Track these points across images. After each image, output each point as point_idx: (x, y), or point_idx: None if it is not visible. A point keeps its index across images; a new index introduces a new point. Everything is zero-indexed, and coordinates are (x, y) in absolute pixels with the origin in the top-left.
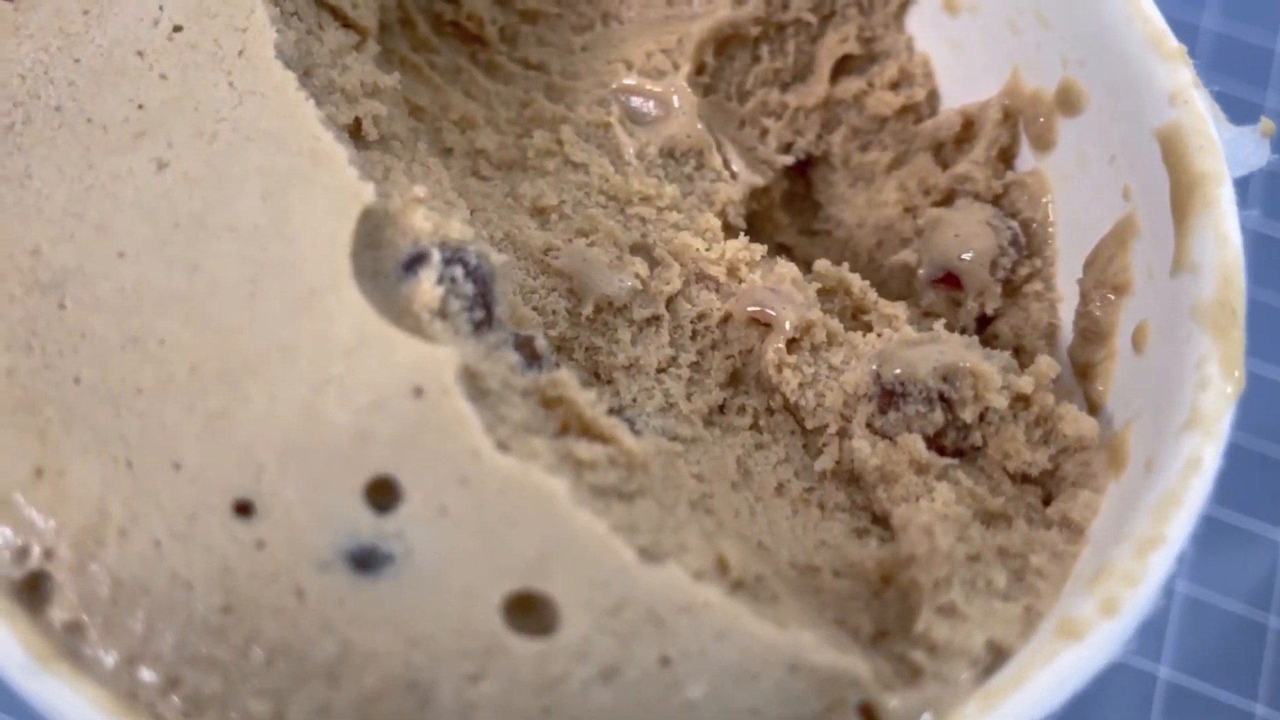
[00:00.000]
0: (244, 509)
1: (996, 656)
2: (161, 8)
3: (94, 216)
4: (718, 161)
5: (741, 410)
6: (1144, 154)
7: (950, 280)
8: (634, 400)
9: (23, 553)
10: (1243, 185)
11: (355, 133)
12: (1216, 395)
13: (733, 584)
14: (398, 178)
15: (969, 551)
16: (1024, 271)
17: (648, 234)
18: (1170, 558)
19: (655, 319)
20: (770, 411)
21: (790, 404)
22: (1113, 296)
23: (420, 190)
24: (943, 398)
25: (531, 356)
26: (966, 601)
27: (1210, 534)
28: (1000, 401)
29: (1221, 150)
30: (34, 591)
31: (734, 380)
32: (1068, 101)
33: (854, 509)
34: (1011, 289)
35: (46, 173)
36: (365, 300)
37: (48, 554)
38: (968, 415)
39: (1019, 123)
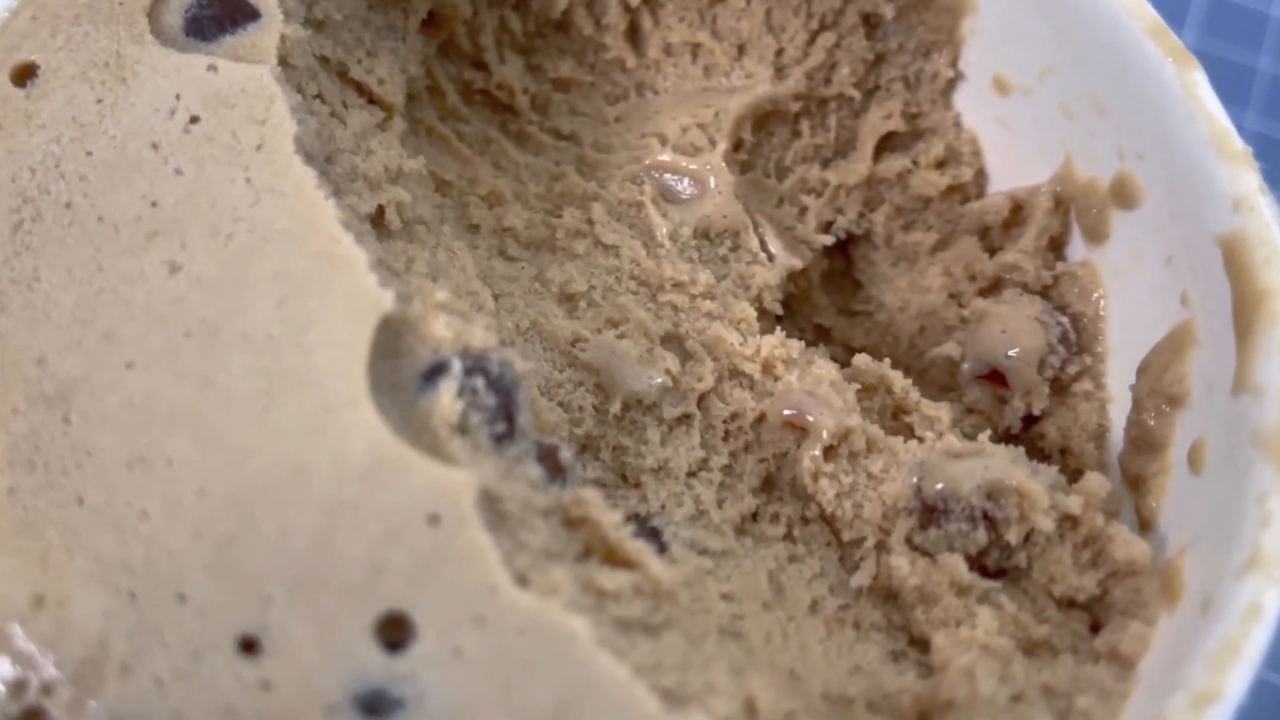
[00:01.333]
0: (250, 646)
1: None
2: (178, 97)
3: (103, 323)
4: (754, 243)
5: (775, 519)
6: (1204, 260)
7: (996, 377)
8: (662, 506)
9: (20, 687)
10: None
11: (378, 221)
12: (1278, 534)
13: None
14: (419, 271)
15: (1012, 692)
16: (1073, 370)
17: (680, 324)
18: (1228, 713)
19: (686, 418)
20: (805, 521)
21: (826, 514)
22: (1168, 408)
23: (442, 294)
24: (986, 516)
25: (555, 469)
26: None
27: None
28: (1047, 524)
29: None
30: None
31: (767, 485)
32: (1123, 195)
33: (890, 629)
34: (1060, 388)
35: (55, 275)
36: (381, 418)
37: (45, 689)
38: (1012, 536)
39: (1071, 211)
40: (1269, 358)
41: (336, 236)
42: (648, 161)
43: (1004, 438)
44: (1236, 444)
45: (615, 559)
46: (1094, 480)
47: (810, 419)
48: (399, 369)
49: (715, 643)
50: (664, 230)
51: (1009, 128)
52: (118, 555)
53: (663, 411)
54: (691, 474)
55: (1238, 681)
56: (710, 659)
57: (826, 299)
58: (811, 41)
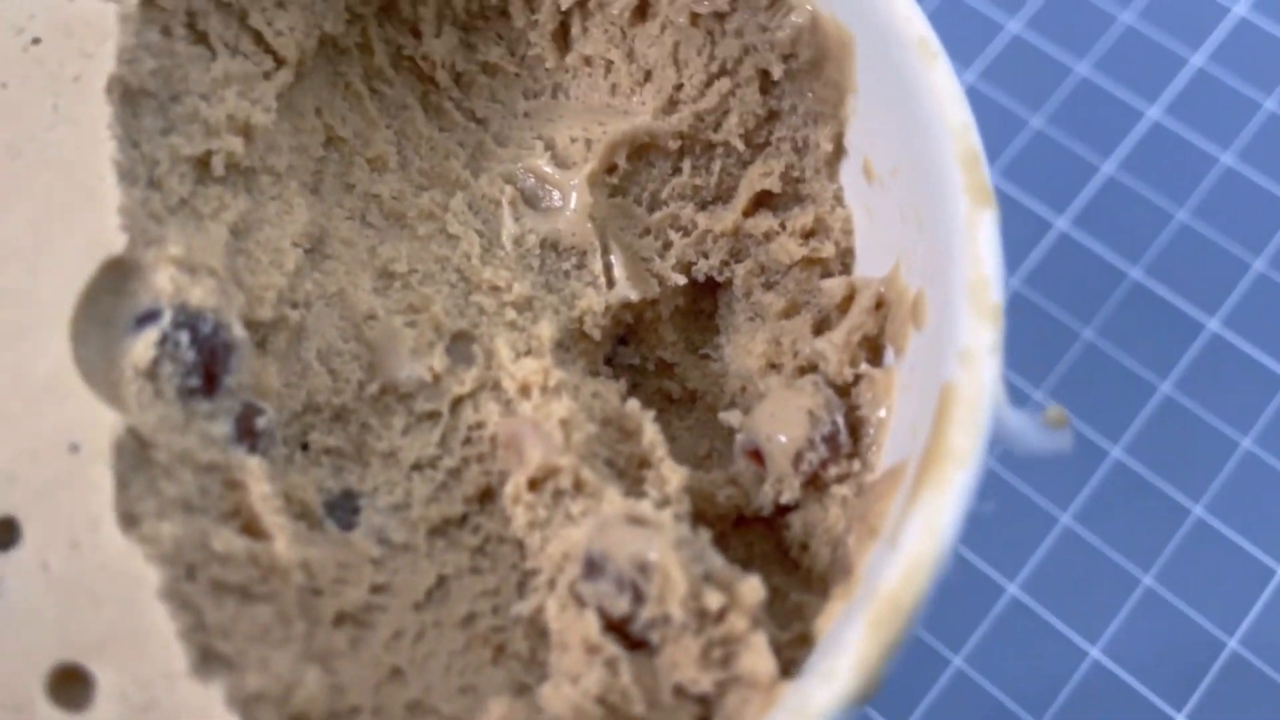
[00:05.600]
0: None
1: None
2: (32, 17)
3: None
4: (598, 266)
5: (476, 530)
6: (930, 402)
7: (759, 457)
8: (375, 489)
9: None
10: None
11: (204, 164)
12: (833, 694)
13: (288, 716)
14: (226, 220)
15: None
16: (834, 471)
17: (478, 325)
18: None
19: (434, 415)
20: (502, 540)
21: (519, 540)
22: (867, 538)
23: (175, 249)
24: (634, 586)
25: (246, 432)
26: None
27: None
28: (678, 613)
29: (983, 430)
30: None
31: (484, 497)
32: (917, 314)
33: (531, 664)
34: (818, 485)
35: None
36: (70, 348)
37: None
38: (646, 613)
39: (887, 316)
40: (915, 518)
41: (102, 174)
42: (524, 163)
43: (756, 517)
44: (865, 595)
45: (252, 528)
46: (748, 585)
47: (524, 447)
48: (118, 307)
49: (314, 626)
50: (509, 234)
51: (873, 216)
52: None
53: (415, 404)
54: (416, 467)
55: None
56: (290, 639)
57: (676, 335)
58: (709, 84)
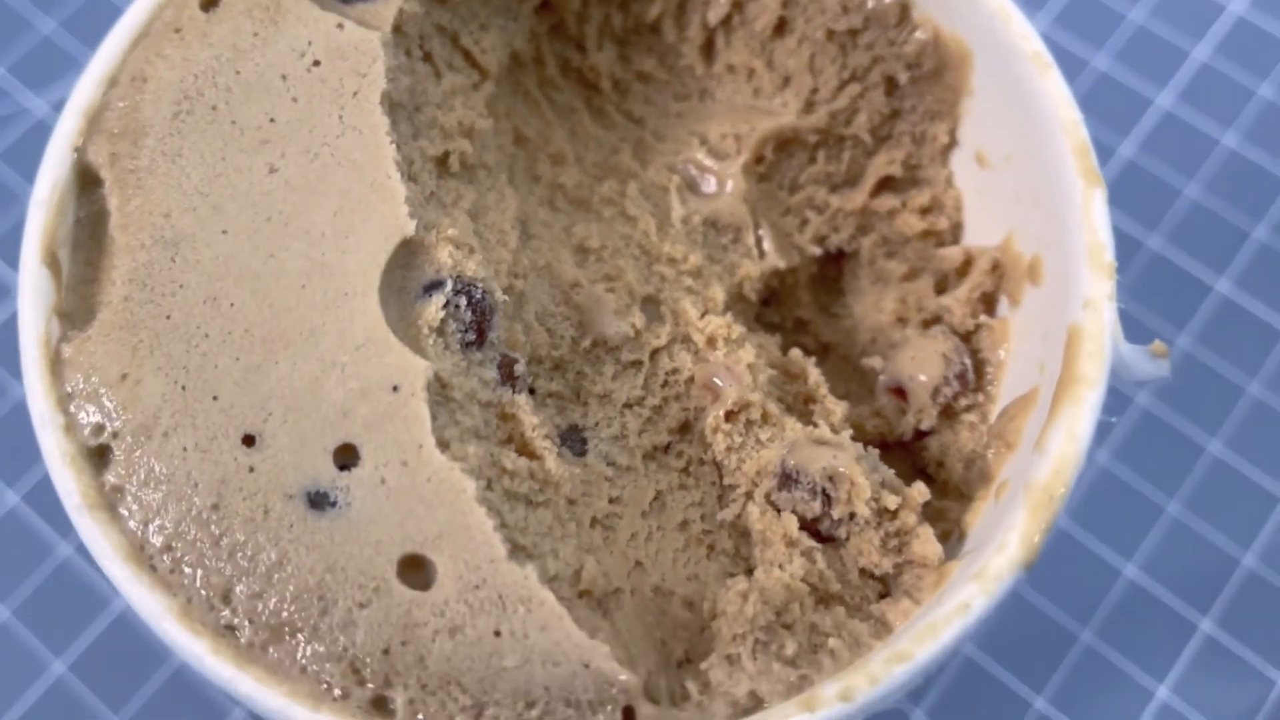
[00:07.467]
0: (249, 441)
1: (755, 705)
2: (310, 43)
3: (215, 198)
4: (751, 240)
5: (680, 454)
6: (1057, 341)
7: (900, 393)
8: (596, 424)
9: (99, 429)
10: None
11: (442, 162)
12: (1006, 560)
13: (578, 592)
14: (463, 207)
15: (785, 620)
16: (964, 403)
17: (661, 290)
18: (912, 672)
19: (637, 363)
20: (701, 462)
21: (717, 460)
22: (1004, 450)
23: (452, 231)
24: (824, 493)
25: (508, 376)
26: (751, 658)
27: (1207, 655)
28: (865, 511)
29: (1107, 359)
30: (100, 457)
31: (683, 429)
32: (1034, 273)
33: (735, 558)
34: (951, 414)
35: (192, 156)
36: (381, 310)
37: (114, 434)
38: (837, 513)
39: (1003, 276)
40: (1060, 428)
41: (389, 173)
42: (684, 156)
43: (897, 442)
44: (1016, 490)
45: (526, 450)
46: (917, 488)
47: (721, 386)
48: (409, 278)
49: (579, 527)
50: (679, 214)
51: (984, 196)
52: (182, 359)
53: (621, 354)
54: (627, 405)
55: (928, 652)
56: (567, 536)
57: (810, 297)
58: (841, 88)
